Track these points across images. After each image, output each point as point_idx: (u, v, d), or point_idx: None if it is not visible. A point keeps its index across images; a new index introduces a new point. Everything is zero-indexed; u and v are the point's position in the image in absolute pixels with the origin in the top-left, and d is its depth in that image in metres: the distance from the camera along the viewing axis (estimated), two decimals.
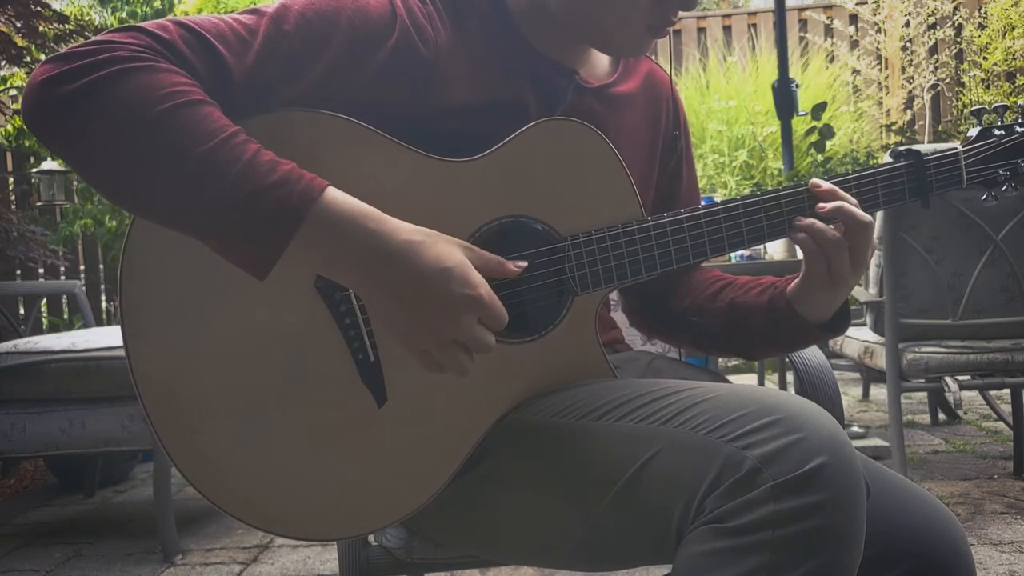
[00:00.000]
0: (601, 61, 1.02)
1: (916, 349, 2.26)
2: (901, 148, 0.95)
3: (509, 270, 0.82)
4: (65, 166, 3.98)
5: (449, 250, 0.77)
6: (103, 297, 4.52)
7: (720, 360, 4.41)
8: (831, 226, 0.88)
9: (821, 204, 0.89)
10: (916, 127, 5.28)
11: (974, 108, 0.99)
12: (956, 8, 5.31)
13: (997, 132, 0.96)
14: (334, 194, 0.74)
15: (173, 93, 0.72)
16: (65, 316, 4.32)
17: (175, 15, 4.29)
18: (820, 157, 3.42)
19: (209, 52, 0.78)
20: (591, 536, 0.79)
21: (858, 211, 0.88)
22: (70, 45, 0.76)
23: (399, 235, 0.76)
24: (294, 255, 0.74)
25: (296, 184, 0.73)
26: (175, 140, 0.71)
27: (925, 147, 0.96)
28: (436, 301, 0.75)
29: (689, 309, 1.08)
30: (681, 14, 0.91)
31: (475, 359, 0.79)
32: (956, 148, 0.95)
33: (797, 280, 0.94)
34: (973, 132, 0.97)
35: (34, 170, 4.11)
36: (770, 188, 0.92)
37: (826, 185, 0.89)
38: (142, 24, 0.77)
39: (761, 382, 3.82)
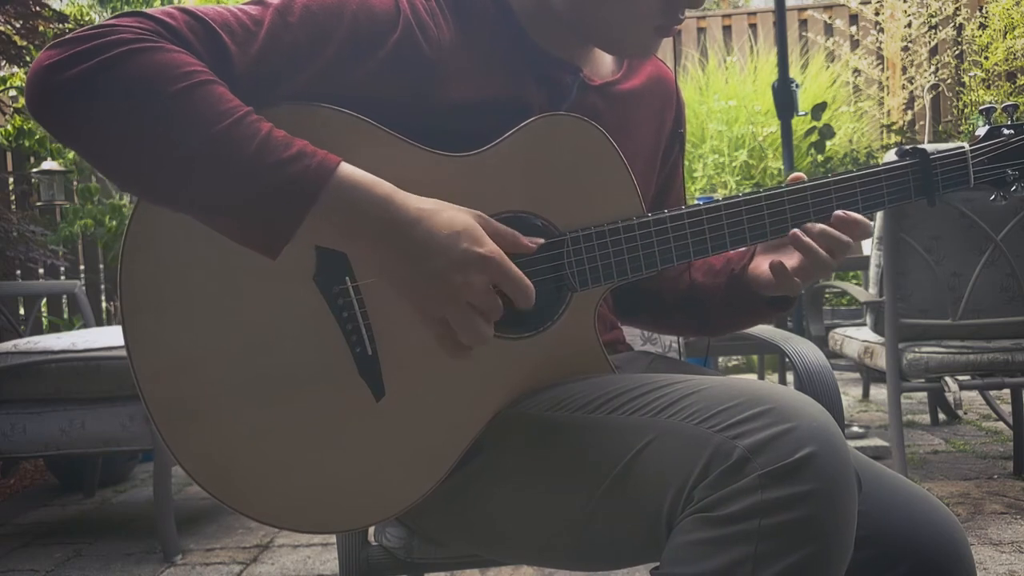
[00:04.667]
0: (605, 59, 1.02)
1: (916, 349, 2.26)
2: (907, 147, 0.94)
3: (524, 244, 0.82)
4: (65, 165, 3.98)
5: (460, 215, 0.79)
6: (103, 297, 4.51)
7: (720, 360, 4.42)
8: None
9: (838, 213, 0.90)
10: (916, 127, 5.28)
11: (983, 107, 0.97)
12: (957, 8, 5.31)
13: (1006, 131, 0.94)
14: (348, 167, 0.76)
15: (186, 73, 0.73)
16: (65, 316, 4.32)
17: None
18: (820, 157, 3.42)
19: (213, 41, 0.78)
20: (586, 530, 0.79)
21: (844, 238, 0.90)
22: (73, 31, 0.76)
23: (411, 203, 0.77)
24: (309, 226, 0.75)
25: (312, 158, 0.74)
26: (191, 120, 0.72)
27: (930, 147, 0.95)
28: (447, 261, 0.76)
29: (655, 288, 1.12)
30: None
31: (486, 341, 0.79)
32: (963, 147, 0.94)
33: (766, 275, 0.96)
34: (981, 131, 0.95)
35: (34, 170, 4.11)
36: (770, 187, 0.92)
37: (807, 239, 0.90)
38: (147, 10, 0.78)
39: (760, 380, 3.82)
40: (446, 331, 0.79)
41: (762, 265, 0.98)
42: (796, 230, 0.89)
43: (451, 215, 0.78)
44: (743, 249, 1.00)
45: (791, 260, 0.92)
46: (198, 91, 0.73)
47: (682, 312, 1.11)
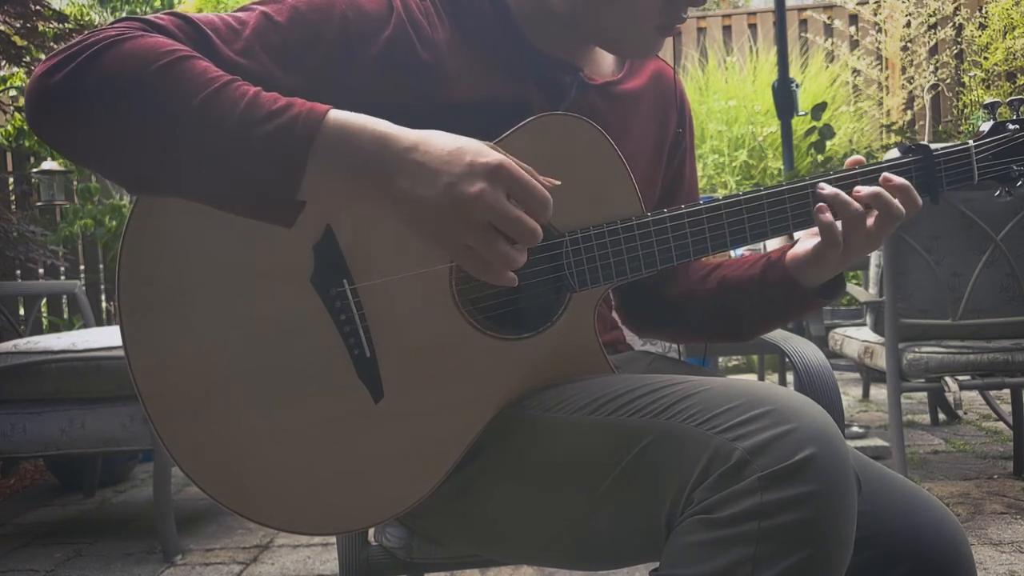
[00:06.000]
0: (606, 59, 1.02)
1: (916, 349, 2.26)
2: (909, 143, 0.93)
3: (538, 178, 0.77)
4: (65, 165, 3.98)
5: (458, 137, 0.76)
6: (103, 297, 4.51)
7: (720, 360, 4.42)
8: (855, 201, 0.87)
9: (859, 188, 0.88)
10: (916, 127, 5.28)
11: (987, 102, 0.96)
12: (957, 8, 5.31)
13: (1011, 127, 0.93)
14: (338, 112, 0.75)
15: (167, 51, 0.74)
16: (65, 316, 4.32)
17: None
18: (820, 157, 3.42)
19: (200, 38, 0.79)
20: (585, 530, 0.79)
21: (894, 201, 0.87)
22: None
23: (409, 133, 0.76)
24: (313, 180, 0.74)
25: (301, 107, 0.74)
26: (177, 91, 0.72)
27: (932, 145, 0.93)
28: (452, 177, 0.72)
29: (680, 295, 1.09)
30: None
31: (522, 251, 0.75)
32: (967, 143, 0.92)
33: (805, 251, 0.94)
34: (986, 126, 0.94)
35: (34, 170, 4.11)
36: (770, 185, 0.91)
37: (829, 190, 0.88)
38: (137, 15, 0.79)
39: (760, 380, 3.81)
40: (474, 259, 0.75)
41: (802, 247, 0.95)
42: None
43: (449, 137, 0.76)
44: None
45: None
46: (179, 65, 0.73)
47: (712, 315, 1.06)
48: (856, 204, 0.87)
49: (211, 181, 0.75)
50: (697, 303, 1.07)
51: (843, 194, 0.87)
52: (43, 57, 0.77)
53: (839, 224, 0.88)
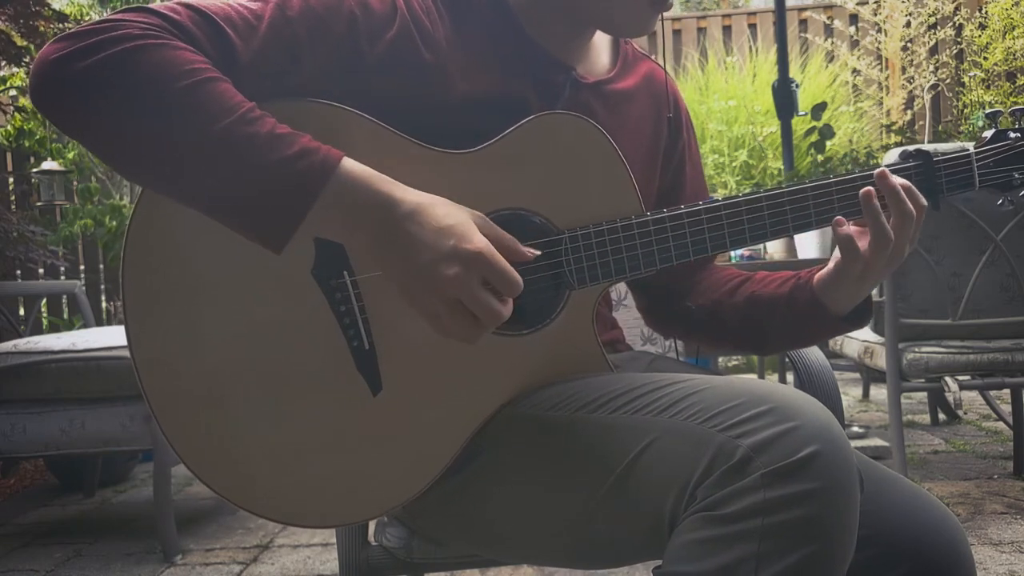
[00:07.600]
0: (600, 58, 1.02)
1: (916, 349, 2.26)
2: (910, 148, 0.93)
3: (521, 252, 0.82)
4: (65, 165, 3.98)
5: (457, 212, 0.79)
6: (103, 297, 4.52)
7: (720, 360, 4.41)
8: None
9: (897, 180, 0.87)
10: (916, 127, 5.28)
11: (990, 111, 0.96)
12: (957, 8, 5.30)
13: (1013, 135, 0.94)
14: (350, 163, 0.77)
15: (191, 71, 0.74)
16: (65, 316, 4.32)
17: None
18: (820, 157, 3.42)
19: (218, 35, 0.79)
20: (586, 529, 0.79)
21: (906, 200, 0.87)
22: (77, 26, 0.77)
23: (409, 198, 0.78)
24: (311, 219, 0.76)
25: (315, 154, 0.75)
26: (197, 116, 0.73)
27: (930, 146, 0.94)
28: (434, 256, 0.76)
29: (706, 306, 1.09)
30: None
31: (486, 326, 0.79)
32: (968, 149, 0.93)
33: (827, 270, 0.94)
34: (988, 133, 0.95)
35: (34, 170, 4.11)
36: (770, 187, 0.91)
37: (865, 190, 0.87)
38: (152, 5, 0.78)
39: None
40: (437, 324, 0.79)
41: (827, 269, 0.94)
42: (870, 188, 0.87)
43: (446, 211, 0.78)
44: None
45: (860, 241, 0.89)
46: (202, 88, 0.74)
47: (738, 329, 1.05)
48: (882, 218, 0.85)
49: (211, 202, 0.76)
50: (724, 316, 1.06)
51: (875, 200, 0.86)
52: None
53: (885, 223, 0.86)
